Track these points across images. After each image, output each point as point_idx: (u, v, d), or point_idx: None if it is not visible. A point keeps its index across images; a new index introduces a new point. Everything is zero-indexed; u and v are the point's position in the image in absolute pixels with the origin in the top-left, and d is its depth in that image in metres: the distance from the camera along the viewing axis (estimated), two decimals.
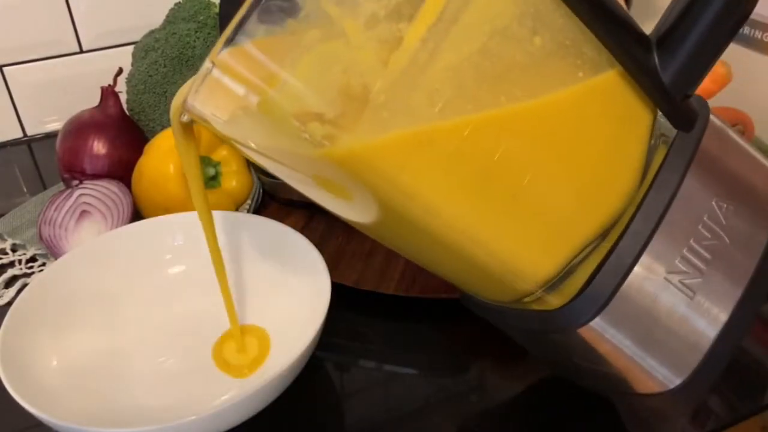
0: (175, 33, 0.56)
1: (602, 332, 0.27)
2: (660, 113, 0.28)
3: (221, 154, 0.51)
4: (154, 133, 0.54)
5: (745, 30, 0.56)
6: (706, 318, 0.27)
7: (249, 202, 0.52)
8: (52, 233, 0.46)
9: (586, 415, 0.36)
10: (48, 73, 0.68)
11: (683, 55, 0.26)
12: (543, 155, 0.26)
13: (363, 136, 0.23)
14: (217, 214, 0.36)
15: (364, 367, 0.40)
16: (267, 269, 0.43)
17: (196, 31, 0.56)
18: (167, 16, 0.60)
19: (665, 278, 0.26)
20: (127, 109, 0.57)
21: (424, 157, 0.24)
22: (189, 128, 0.32)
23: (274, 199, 0.53)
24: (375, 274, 0.44)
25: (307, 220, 0.50)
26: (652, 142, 0.28)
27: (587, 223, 0.27)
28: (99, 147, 0.51)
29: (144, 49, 0.58)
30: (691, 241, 0.26)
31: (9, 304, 0.44)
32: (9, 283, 0.47)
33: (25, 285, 0.46)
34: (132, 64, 0.59)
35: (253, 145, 0.27)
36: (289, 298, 0.41)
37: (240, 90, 0.25)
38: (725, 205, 0.27)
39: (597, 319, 0.26)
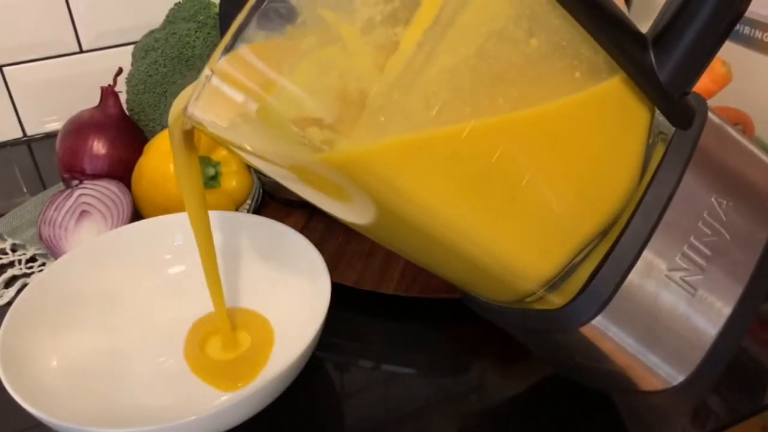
0: (175, 33, 0.56)
1: (604, 330, 0.27)
2: (658, 111, 0.28)
3: (221, 154, 0.51)
4: (154, 133, 0.54)
5: (745, 30, 0.56)
6: (707, 315, 0.27)
7: (249, 202, 0.52)
8: (51, 233, 0.46)
9: (586, 414, 0.36)
10: (48, 73, 0.68)
11: (679, 53, 0.26)
12: (541, 157, 0.26)
13: (361, 140, 0.23)
14: (216, 214, 0.36)
15: (364, 367, 0.40)
16: (267, 269, 0.43)
17: (196, 31, 0.56)
18: (167, 16, 0.60)
19: (666, 276, 0.26)
20: (127, 109, 0.57)
21: (422, 161, 0.24)
22: (190, 137, 0.32)
23: (274, 199, 0.53)
24: (375, 274, 0.44)
25: (307, 220, 0.50)
26: (650, 140, 0.28)
27: (587, 223, 0.27)
28: (99, 147, 0.51)
29: (144, 49, 0.58)
30: (692, 238, 0.26)
31: (9, 304, 0.44)
32: (9, 283, 0.47)
33: (24, 285, 0.46)
34: (132, 64, 0.59)
35: (252, 150, 0.27)
36: (289, 298, 0.41)
37: (239, 97, 0.25)
38: (725, 202, 0.27)
39: (599, 318, 0.27)
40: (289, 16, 0.23)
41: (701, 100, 0.29)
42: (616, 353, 0.27)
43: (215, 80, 0.25)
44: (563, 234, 0.27)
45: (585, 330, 0.27)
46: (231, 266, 0.43)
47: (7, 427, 0.36)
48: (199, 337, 0.40)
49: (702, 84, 0.48)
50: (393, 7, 0.23)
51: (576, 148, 0.27)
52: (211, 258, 0.37)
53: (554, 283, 0.28)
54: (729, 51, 0.57)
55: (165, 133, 0.49)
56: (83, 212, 0.47)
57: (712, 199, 0.27)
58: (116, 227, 0.47)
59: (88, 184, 0.48)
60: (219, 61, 0.24)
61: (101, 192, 0.48)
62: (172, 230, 0.44)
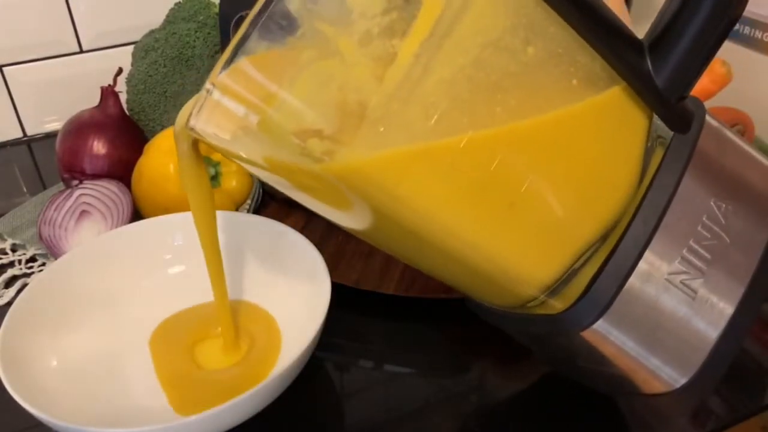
0: (175, 33, 0.56)
1: (605, 334, 0.27)
2: (656, 116, 0.28)
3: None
4: (154, 133, 0.54)
5: (745, 30, 0.56)
6: (708, 317, 0.27)
7: (249, 202, 0.52)
8: (51, 233, 0.46)
9: (586, 415, 0.36)
10: (48, 73, 0.68)
11: (676, 58, 0.26)
12: (539, 165, 0.26)
13: (361, 151, 0.23)
14: (216, 214, 0.36)
15: (364, 367, 0.40)
16: (267, 269, 0.43)
17: (196, 31, 0.56)
18: (167, 16, 0.60)
19: (666, 279, 0.26)
20: (127, 109, 0.57)
21: (422, 170, 0.24)
22: (197, 147, 0.32)
23: (274, 199, 0.53)
24: (375, 274, 0.44)
25: (307, 220, 0.50)
26: (649, 144, 0.28)
27: (586, 228, 0.27)
28: (99, 147, 0.51)
29: (144, 49, 0.58)
30: (691, 242, 0.27)
31: (9, 304, 0.44)
32: (9, 283, 0.47)
33: (24, 285, 0.46)
34: (132, 64, 0.59)
35: (254, 161, 0.27)
36: (289, 298, 0.41)
37: (240, 110, 0.25)
38: (724, 205, 0.27)
39: (600, 322, 0.27)
40: (289, 27, 0.23)
41: (699, 104, 0.29)
42: (617, 357, 0.28)
43: (216, 94, 0.25)
44: (563, 239, 0.27)
45: (586, 334, 0.27)
46: (231, 266, 0.43)
47: (7, 427, 0.36)
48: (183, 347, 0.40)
49: (702, 84, 0.48)
50: (390, 19, 0.23)
51: (575, 156, 0.27)
52: (218, 264, 0.37)
53: (555, 288, 0.28)
54: (729, 51, 0.57)
55: (165, 133, 0.49)
56: (83, 212, 0.47)
57: (711, 203, 0.27)
58: (116, 227, 0.47)
59: (88, 184, 0.48)
60: (220, 75, 0.24)
61: (101, 192, 0.48)
62: (172, 230, 0.44)
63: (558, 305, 0.28)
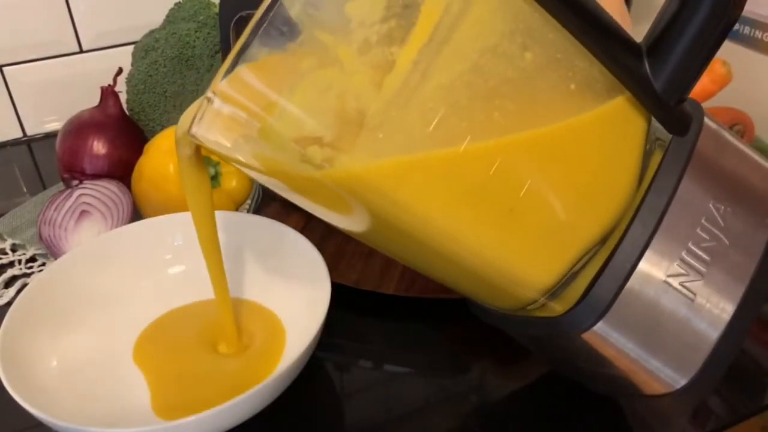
0: (175, 33, 0.56)
1: (605, 336, 0.27)
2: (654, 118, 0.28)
3: None
4: (154, 133, 0.54)
5: (745, 30, 0.56)
6: (708, 318, 0.27)
7: (249, 202, 0.52)
8: (51, 233, 0.46)
9: (586, 415, 0.36)
10: (48, 73, 0.68)
11: (674, 61, 0.26)
12: (538, 172, 0.26)
13: (361, 158, 0.24)
14: (217, 214, 0.36)
15: (364, 367, 0.40)
16: (267, 269, 0.43)
17: (196, 31, 0.56)
18: (167, 16, 0.60)
19: (665, 281, 0.26)
20: (127, 109, 0.57)
21: (421, 176, 0.24)
22: (199, 155, 0.32)
23: (274, 200, 0.53)
24: (375, 274, 0.44)
25: (307, 221, 0.50)
26: (648, 147, 0.28)
27: (585, 231, 0.27)
28: (99, 147, 0.51)
29: (144, 49, 0.58)
30: (690, 244, 0.27)
31: (9, 304, 0.44)
32: (9, 283, 0.47)
33: (24, 285, 0.46)
34: (132, 64, 0.59)
35: (255, 167, 0.28)
36: (289, 298, 0.41)
37: (241, 118, 0.25)
38: (723, 207, 0.27)
39: (599, 324, 0.27)
40: (290, 34, 0.23)
41: (697, 106, 0.29)
42: (618, 358, 0.28)
43: (217, 102, 0.25)
44: (562, 243, 0.27)
45: (586, 336, 0.27)
46: (231, 266, 0.43)
47: (7, 427, 0.36)
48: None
49: (702, 84, 0.48)
50: (389, 27, 0.23)
51: (574, 162, 0.27)
52: (219, 268, 0.37)
53: (555, 291, 0.28)
54: (729, 51, 0.57)
55: (165, 133, 0.49)
56: (83, 212, 0.47)
57: (710, 205, 0.27)
58: (116, 227, 0.47)
59: (88, 184, 0.48)
60: (221, 83, 0.24)
61: (101, 192, 0.48)
62: (172, 230, 0.44)
63: (558, 308, 0.28)
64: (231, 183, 0.50)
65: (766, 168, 0.29)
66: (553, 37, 0.25)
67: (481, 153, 0.25)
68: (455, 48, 0.24)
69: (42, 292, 0.38)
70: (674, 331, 0.27)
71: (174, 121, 0.57)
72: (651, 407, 0.37)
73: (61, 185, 0.56)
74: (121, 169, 0.51)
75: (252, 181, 0.52)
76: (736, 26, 0.56)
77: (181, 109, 0.56)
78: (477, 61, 0.24)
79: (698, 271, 0.27)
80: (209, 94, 0.25)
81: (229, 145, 0.27)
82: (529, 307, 0.29)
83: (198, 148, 0.32)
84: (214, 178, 0.50)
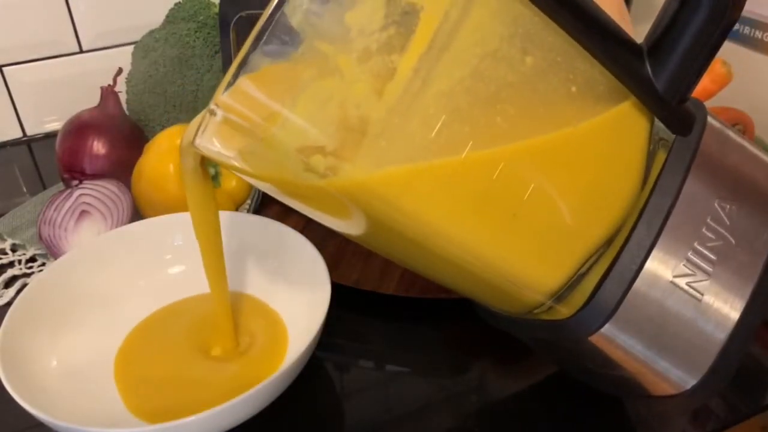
0: (175, 33, 0.56)
1: (613, 338, 0.27)
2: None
3: None
4: (154, 133, 0.54)
5: (745, 30, 0.56)
6: (716, 318, 0.27)
7: (249, 202, 0.52)
8: (51, 233, 0.46)
9: (586, 415, 0.36)
10: (48, 73, 0.68)
11: (675, 61, 0.26)
12: (542, 178, 0.26)
13: (364, 166, 0.24)
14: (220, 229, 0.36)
15: (364, 367, 0.40)
16: (267, 270, 0.43)
17: (196, 31, 0.56)
18: (167, 16, 0.60)
19: (671, 282, 0.26)
20: (127, 109, 0.57)
21: (425, 184, 0.25)
22: (204, 167, 0.32)
23: (274, 200, 0.53)
24: (375, 274, 0.44)
25: (307, 221, 0.50)
26: (651, 147, 0.28)
27: (590, 234, 0.27)
28: (99, 147, 0.51)
29: (144, 49, 0.58)
30: (696, 244, 0.27)
31: (9, 304, 0.44)
32: (9, 283, 0.47)
33: (24, 285, 0.46)
34: (132, 64, 0.59)
35: (259, 177, 0.28)
36: (289, 298, 0.41)
37: (244, 129, 0.26)
38: (728, 206, 0.27)
39: (607, 326, 0.27)
40: (292, 43, 0.23)
41: (700, 105, 0.29)
42: (626, 360, 0.28)
43: (220, 114, 0.25)
44: (567, 246, 0.27)
45: (594, 339, 0.27)
46: (231, 266, 0.43)
47: (7, 427, 0.36)
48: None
49: (702, 84, 0.48)
50: (388, 35, 0.23)
51: (577, 167, 0.27)
52: (220, 273, 0.37)
53: (561, 294, 0.28)
54: (729, 51, 0.57)
55: (165, 133, 0.49)
56: (83, 212, 0.47)
57: (715, 204, 0.27)
58: (116, 227, 0.47)
59: (88, 184, 0.48)
60: (223, 95, 0.25)
61: (101, 192, 0.48)
62: (172, 230, 0.44)
63: (564, 311, 0.28)
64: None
65: None
66: (553, 41, 0.25)
67: (485, 160, 0.25)
68: (455, 54, 0.24)
69: (42, 292, 0.38)
70: (682, 331, 0.27)
71: (174, 121, 0.57)
72: (652, 407, 0.37)
73: (61, 185, 0.56)
74: (121, 169, 0.51)
75: None
76: (736, 26, 0.56)
77: (181, 109, 0.56)
78: (477, 66, 0.24)
79: (705, 271, 0.27)
80: (212, 106, 0.25)
81: (232, 155, 0.27)
82: (535, 311, 0.29)
83: (202, 161, 0.32)
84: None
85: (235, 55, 0.24)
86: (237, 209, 0.51)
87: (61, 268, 0.40)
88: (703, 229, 0.27)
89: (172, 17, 0.59)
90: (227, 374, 0.37)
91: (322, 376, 0.39)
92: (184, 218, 0.38)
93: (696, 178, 0.27)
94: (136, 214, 0.49)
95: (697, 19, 0.26)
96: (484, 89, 0.25)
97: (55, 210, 0.47)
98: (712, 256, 0.27)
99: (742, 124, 0.53)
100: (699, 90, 0.48)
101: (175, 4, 0.60)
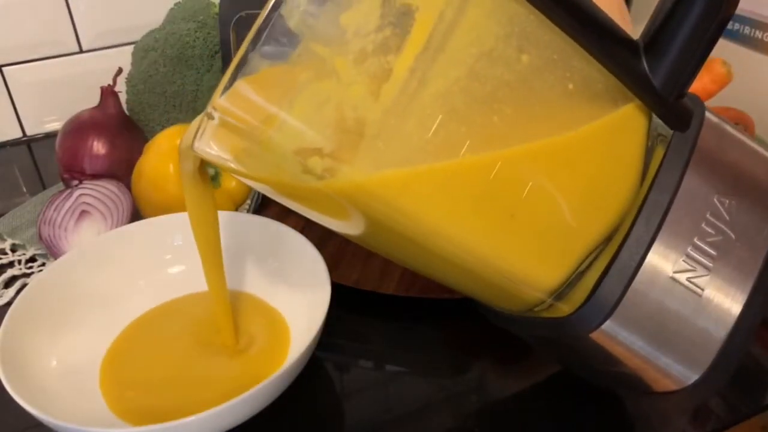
0: (174, 33, 0.56)
1: (614, 335, 0.27)
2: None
3: None
4: (154, 133, 0.54)
5: (745, 30, 0.56)
6: (717, 313, 0.27)
7: (249, 202, 0.52)
8: (51, 233, 0.46)
9: (586, 415, 0.36)
10: (48, 73, 0.68)
11: (671, 57, 0.26)
12: (540, 178, 0.26)
13: (361, 167, 0.24)
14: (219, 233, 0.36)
15: (364, 367, 0.40)
16: (267, 270, 0.43)
17: (196, 31, 0.56)
18: (167, 16, 0.60)
19: (672, 278, 0.26)
20: (127, 109, 0.57)
21: (423, 185, 0.25)
22: (204, 171, 0.32)
23: (274, 200, 0.53)
24: (375, 274, 0.44)
25: (307, 221, 0.50)
26: (649, 143, 0.28)
27: (589, 232, 0.27)
28: (99, 147, 0.51)
29: (144, 49, 0.58)
30: (696, 239, 0.27)
31: (8, 304, 0.44)
32: (8, 283, 0.47)
33: (24, 285, 0.46)
34: (132, 64, 0.59)
35: (258, 179, 0.28)
36: (289, 298, 0.41)
37: (242, 132, 0.26)
38: (727, 201, 0.27)
39: (607, 323, 0.27)
40: (290, 44, 0.23)
41: (698, 101, 0.29)
42: (627, 357, 0.28)
43: (218, 117, 0.25)
44: (566, 245, 0.27)
45: (595, 336, 0.27)
46: (230, 266, 0.43)
47: (7, 427, 0.36)
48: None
49: (702, 84, 0.48)
50: (384, 36, 0.23)
51: (576, 169, 0.27)
52: (219, 278, 0.37)
53: (561, 292, 0.28)
54: (729, 51, 0.57)
55: (165, 133, 0.49)
56: (83, 212, 0.47)
57: (715, 199, 0.27)
58: (116, 227, 0.47)
59: (87, 184, 0.48)
60: (220, 99, 0.25)
61: (101, 192, 0.48)
62: (172, 230, 0.44)
63: (565, 308, 0.28)
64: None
65: None
66: (549, 39, 0.25)
67: (484, 163, 0.25)
68: (451, 54, 0.24)
69: (42, 292, 0.38)
70: (683, 326, 0.27)
71: (174, 121, 0.57)
72: (652, 406, 0.37)
73: (61, 185, 0.56)
74: (121, 169, 0.51)
75: None
76: (737, 26, 0.56)
77: (181, 109, 0.56)
78: (473, 66, 0.24)
79: (705, 267, 0.27)
80: (210, 109, 0.25)
81: (231, 158, 0.27)
82: (536, 309, 0.29)
83: (202, 163, 0.32)
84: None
85: (234, 56, 0.24)
86: (237, 209, 0.51)
87: (61, 268, 0.40)
88: (703, 225, 0.27)
89: (172, 17, 0.59)
90: (228, 373, 0.37)
91: (322, 376, 0.39)
92: (184, 218, 0.38)
93: (695, 173, 0.27)
94: (136, 214, 0.49)
95: (692, 14, 0.26)
96: (480, 89, 0.25)
97: (55, 210, 0.47)
98: (712, 252, 0.27)
99: (742, 124, 0.53)
100: (699, 90, 0.48)
101: (175, 4, 0.60)
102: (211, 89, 0.55)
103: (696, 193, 0.27)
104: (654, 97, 0.27)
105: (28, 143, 0.69)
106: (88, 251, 0.41)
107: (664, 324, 0.27)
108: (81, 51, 0.68)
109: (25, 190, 0.61)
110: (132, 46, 0.60)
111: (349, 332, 0.42)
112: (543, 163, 0.26)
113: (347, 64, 0.23)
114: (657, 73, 0.26)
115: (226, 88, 0.24)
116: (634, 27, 0.37)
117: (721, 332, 0.27)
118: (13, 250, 0.50)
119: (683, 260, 0.26)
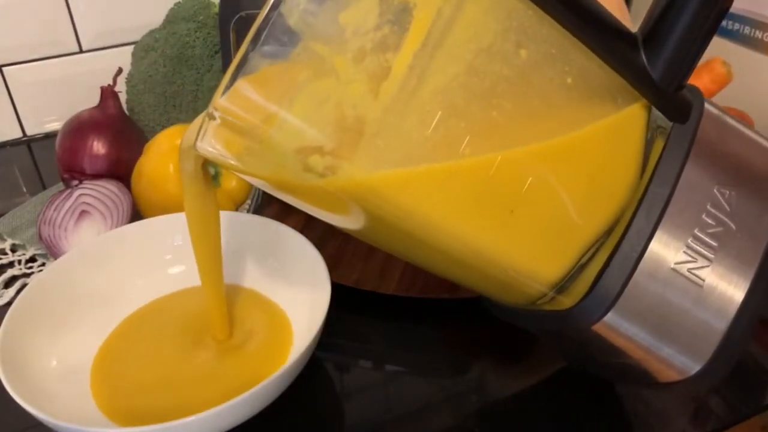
0: (174, 33, 0.56)
1: (616, 327, 0.27)
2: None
3: None
4: (154, 133, 0.54)
5: (746, 30, 0.56)
6: (718, 304, 0.27)
7: (249, 202, 0.52)
8: (51, 233, 0.46)
9: (586, 415, 0.36)
10: (48, 73, 0.68)
11: (670, 49, 0.26)
12: (540, 176, 0.26)
13: (362, 165, 0.24)
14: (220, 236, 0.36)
15: (364, 367, 0.40)
16: (267, 270, 0.43)
17: (196, 31, 0.56)
18: (167, 16, 0.60)
19: (673, 269, 0.26)
20: (127, 109, 0.57)
21: (423, 182, 0.25)
22: (206, 171, 0.32)
23: (274, 199, 0.53)
24: (375, 274, 0.44)
25: (307, 221, 0.50)
26: (649, 135, 0.28)
27: (589, 226, 0.27)
28: (99, 147, 0.51)
29: (144, 49, 0.58)
30: (696, 231, 0.27)
31: (8, 304, 0.44)
32: (8, 284, 0.47)
33: (24, 285, 0.46)
34: (132, 64, 0.59)
35: (260, 177, 0.28)
36: (289, 298, 0.41)
37: (243, 131, 0.26)
38: (728, 192, 0.27)
39: (609, 315, 0.27)
40: (290, 43, 0.23)
41: (697, 92, 0.29)
42: (630, 348, 0.28)
43: (219, 117, 0.25)
44: (566, 239, 0.27)
45: (597, 328, 0.27)
46: (230, 266, 0.43)
47: (7, 427, 0.36)
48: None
49: (702, 84, 0.48)
50: (383, 34, 0.23)
51: (576, 166, 0.27)
52: (218, 282, 0.37)
53: (563, 285, 0.28)
54: (729, 51, 0.57)
55: (165, 133, 0.49)
56: (83, 212, 0.47)
57: (715, 190, 0.27)
58: (116, 227, 0.47)
59: (87, 184, 0.48)
60: (221, 99, 0.25)
61: (101, 192, 0.48)
62: (172, 230, 0.44)
63: (567, 301, 0.28)
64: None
65: None
66: (548, 33, 0.26)
67: (485, 162, 0.25)
68: (449, 50, 0.24)
69: (42, 292, 0.38)
70: (685, 318, 0.27)
71: (174, 121, 0.57)
72: (652, 406, 0.37)
73: (61, 185, 0.56)
74: (121, 169, 0.51)
75: None
76: (737, 26, 0.56)
77: (181, 109, 0.56)
78: (472, 62, 0.24)
79: (706, 258, 0.27)
80: (211, 109, 0.26)
81: (232, 157, 0.27)
82: (538, 302, 0.29)
83: (204, 163, 0.32)
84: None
85: (235, 56, 0.24)
86: (237, 209, 0.51)
87: (60, 268, 0.40)
88: (703, 216, 0.27)
89: (171, 17, 0.59)
90: (228, 373, 0.37)
91: (322, 376, 0.39)
92: (185, 218, 0.39)
93: (695, 164, 0.27)
94: (136, 214, 0.49)
95: (690, 5, 0.26)
96: (479, 84, 0.25)
97: (55, 210, 0.47)
98: (712, 243, 0.27)
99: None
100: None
101: (175, 4, 0.60)
102: (211, 89, 0.55)
103: (696, 185, 0.27)
104: (653, 89, 0.27)
105: (28, 143, 0.69)
106: (88, 251, 0.41)
107: (666, 315, 0.27)
108: (81, 51, 0.68)
109: (25, 190, 0.61)
110: (132, 46, 0.60)
111: (349, 332, 0.42)
112: (543, 162, 0.26)
113: (346, 62, 0.23)
114: (655, 65, 0.26)
115: (227, 87, 0.25)
116: (633, 26, 0.37)
117: (722, 323, 0.27)
118: (13, 250, 0.50)
119: (684, 251, 0.26)
